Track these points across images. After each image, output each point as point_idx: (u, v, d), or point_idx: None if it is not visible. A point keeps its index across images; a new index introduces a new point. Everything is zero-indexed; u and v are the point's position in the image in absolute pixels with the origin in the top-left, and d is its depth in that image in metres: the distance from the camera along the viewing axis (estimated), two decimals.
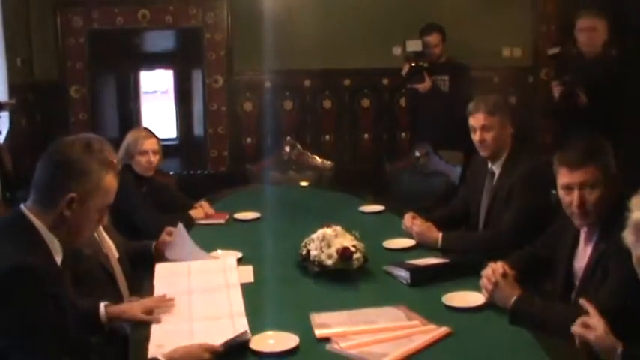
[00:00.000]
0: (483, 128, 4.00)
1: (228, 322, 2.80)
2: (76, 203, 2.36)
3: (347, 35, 7.27)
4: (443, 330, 2.75)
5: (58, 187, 2.36)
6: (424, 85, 6.31)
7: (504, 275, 3.02)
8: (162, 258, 3.71)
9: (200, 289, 3.17)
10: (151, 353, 2.57)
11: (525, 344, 2.66)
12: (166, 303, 2.96)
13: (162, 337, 2.71)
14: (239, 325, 2.73)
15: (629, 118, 5.53)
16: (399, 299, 3.09)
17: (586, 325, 2.50)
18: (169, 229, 3.86)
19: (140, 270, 3.64)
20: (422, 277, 3.32)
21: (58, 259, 2.41)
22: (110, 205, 2.52)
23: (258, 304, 3.03)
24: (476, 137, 4.04)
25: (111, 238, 3.58)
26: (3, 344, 2.19)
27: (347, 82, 7.50)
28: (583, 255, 3.09)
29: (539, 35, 7.60)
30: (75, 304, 2.50)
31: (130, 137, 4.60)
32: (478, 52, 7.11)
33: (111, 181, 2.45)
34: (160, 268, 3.49)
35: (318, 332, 2.75)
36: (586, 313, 2.73)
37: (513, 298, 2.87)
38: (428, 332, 2.74)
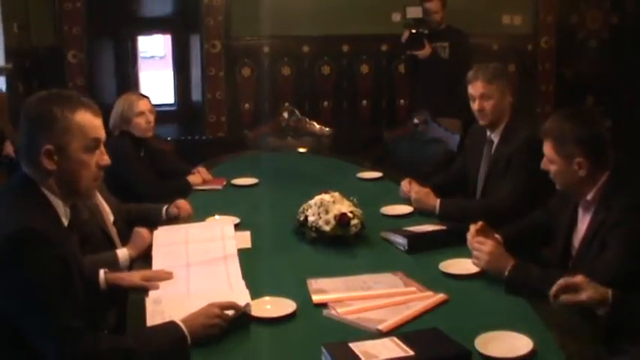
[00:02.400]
0: (482, 97, 3.98)
1: (227, 289, 2.82)
2: (55, 154, 2.30)
3: (346, 1, 7.22)
4: (440, 297, 2.77)
5: (32, 144, 2.31)
6: (424, 52, 6.30)
7: (483, 230, 3.10)
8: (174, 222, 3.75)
9: (198, 262, 3.15)
10: (149, 310, 2.58)
11: (522, 311, 2.67)
12: (165, 277, 2.96)
13: (159, 293, 2.75)
14: (241, 295, 2.71)
15: None
16: (397, 266, 3.10)
17: (568, 288, 2.55)
18: (179, 202, 3.87)
19: None
20: (419, 244, 3.33)
21: (65, 221, 2.39)
22: (109, 168, 2.49)
23: (256, 270, 3.04)
24: (475, 106, 4.03)
25: (105, 200, 3.59)
26: (13, 309, 2.19)
27: (346, 48, 7.45)
28: (581, 226, 3.11)
29: (539, 3, 7.56)
30: (82, 267, 2.49)
31: (122, 102, 4.55)
32: (478, 19, 7.09)
33: (82, 117, 2.34)
34: (158, 234, 3.49)
35: (315, 298, 2.76)
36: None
37: (508, 269, 2.88)
38: (425, 299, 2.75)
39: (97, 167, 2.41)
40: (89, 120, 2.37)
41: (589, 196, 3.02)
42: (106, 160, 2.44)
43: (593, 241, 2.96)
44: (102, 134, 2.42)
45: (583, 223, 3.10)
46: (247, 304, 2.59)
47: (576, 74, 7.73)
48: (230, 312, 2.50)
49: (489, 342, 2.37)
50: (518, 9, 7.55)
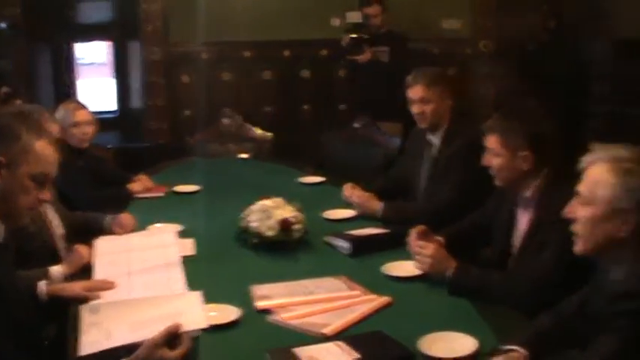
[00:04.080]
0: (422, 100, 4.01)
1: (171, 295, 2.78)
2: (4, 168, 2.24)
3: (286, 6, 7.22)
4: (383, 299, 2.78)
5: None
6: (364, 57, 6.32)
7: (424, 233, 3.15)
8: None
9: (140, 270, 3.10)
10: (84, 321, 2.50)
11: (464, 312, 2.71)
12: (107, 287, 2.90)
13: (96, 302, 2.66)
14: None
15: None
16: (340, 270, 3.11)
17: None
18: (123, 219, 3.78)
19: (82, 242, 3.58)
20: (362, 248, 3.34)
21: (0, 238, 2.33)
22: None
23: (199, 277, 3.01)
24: (414, 109, 4.05)
25: (56, 211, 3.53)
26: None
27: (286, 53, 7.45)
28: (520, 224, 3.16)
29: (478, 7, 7.64)
30: (16, 284, 2.43)
31: (60, 111, 4.46)
32: (418, 24, 7.14)
33: (43, 147, 2.32)
34: (99, 243, 3.43)
35: (259, 304, 2.76)
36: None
37: (450, 271, 2.92)
38: (368, 302, 2.77)
39: (35, 199, 2.36)
40: (48, 153, 2.34)
41: (528, 193, 3.07)
42: (46, 196, 2.40)
43: (532, 239, 3.02)
44: (52, 172, 2.38)
45: (521, 221, 3.14)
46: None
47: (515, 76, 7.83)
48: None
49: (433, 343, 2.40)
50: (457, 13, 7.62)
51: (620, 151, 2.21)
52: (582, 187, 2.26)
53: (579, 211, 2.27)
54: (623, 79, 7.70)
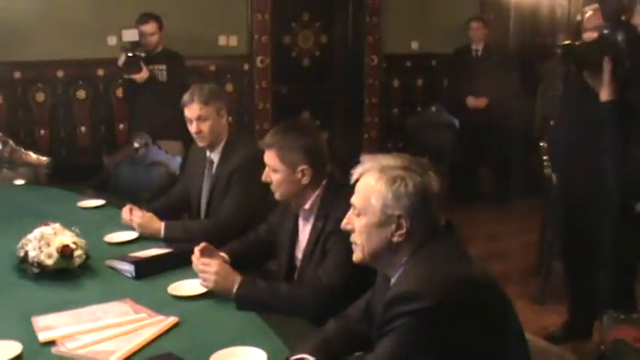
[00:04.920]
0: (199, 118, 4.02)
1: None
2: None
3: (59, 25, 6.98)
4: (171, 320, 2.78)
5: None
6: (141, 76, 6.24)
7: (207, 250, 3.17)
8: None
9: None
10: None
11: (253, 326, 2.76)
12: None
13: None
14: None
15: None
16: (125, 293, 3.07)
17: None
18: None
19: None
20: (146, 269, 3.31)
21: None
22: None
23: None
24: (192, 128, 4.06)
25: None
26: None
27: (60, 73, 7.20)
28: (302, 236, 3.25)
29: (254, 24, 7.76)
30: None
31: None
32: (195, 41, 7.16)
33: None
34: None
35: (42, 336, 2.67)
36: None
37: (235, 286, 2.95)
38: (156, 324, 2.75)
39: None
40: None
41: (307, 205, 3.17)
42: None
43: (315, 249, 3.11)
44: None
45: (304, 233, 3.24)
46: None
47: (292, 91, 8.05)
48: None
49: (224, 359, 2.43)
50: (233, 30, 7.70)
51: (388, 159, 2.31)
52: (355, 198, 2.36)
53: (355, 222, 2.37)
54: (390, 90, 8.28)
